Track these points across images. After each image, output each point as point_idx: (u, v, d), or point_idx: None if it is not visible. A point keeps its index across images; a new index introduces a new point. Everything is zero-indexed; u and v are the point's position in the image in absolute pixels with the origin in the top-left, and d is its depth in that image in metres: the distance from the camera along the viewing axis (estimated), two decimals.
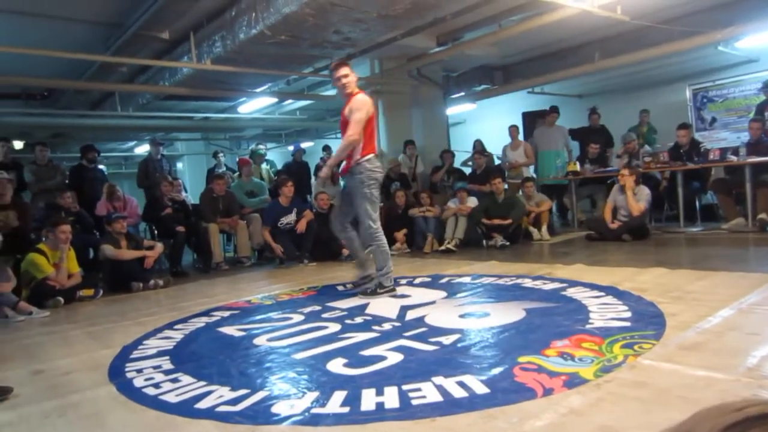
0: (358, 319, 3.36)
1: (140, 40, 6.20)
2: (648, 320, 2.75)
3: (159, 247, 5.83)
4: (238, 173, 8.04)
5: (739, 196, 6.22)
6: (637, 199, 6.09)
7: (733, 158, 6.24)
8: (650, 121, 8.61)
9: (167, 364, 2.74)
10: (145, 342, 3.25)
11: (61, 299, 4.74)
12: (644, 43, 7.08)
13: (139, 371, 2.65)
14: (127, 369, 2.70)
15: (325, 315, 3.56)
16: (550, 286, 3.87)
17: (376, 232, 4.04)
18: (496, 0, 5.60)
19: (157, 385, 2.42)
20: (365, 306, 3.72)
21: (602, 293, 3.46)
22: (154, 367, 2.70)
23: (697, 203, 6.96)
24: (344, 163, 4.12)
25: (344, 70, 4.02)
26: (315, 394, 2.13)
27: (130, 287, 5.27)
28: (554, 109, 8.31)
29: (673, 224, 6.79)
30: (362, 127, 3.93)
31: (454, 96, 9.63)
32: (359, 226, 4.14)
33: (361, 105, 3.95)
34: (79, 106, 9.36)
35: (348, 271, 5.44)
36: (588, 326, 2.76)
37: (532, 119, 9.51)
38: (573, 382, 2.02)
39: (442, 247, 6.45)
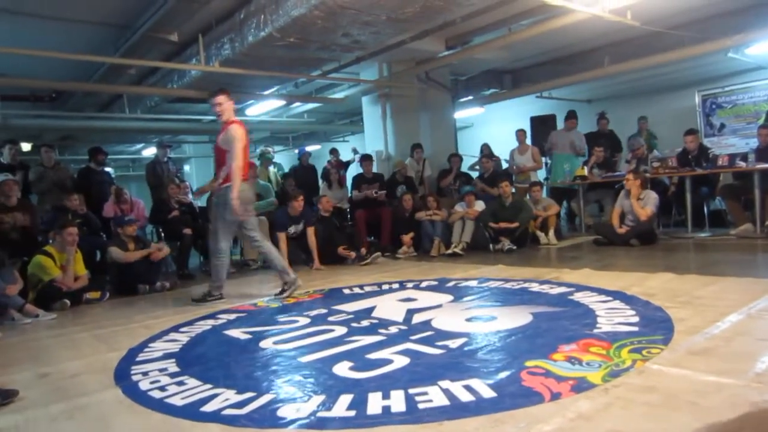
0: (365, 323, 3.35)
1: (149, 42, 6.23)
2: (656, 325, 2.73)
3: (165, 249, 5.84)
4: None
5: (747, 202, 6.17)
6: (644, 204, 6.06)
7: (742, 164, 6.20)
8: (651, 127, 8.59)
9: (173, 367, 2.74)
10: (151, 345, 3.25)
11: (68, 302, 4.75)
12: (654, 49, 7.06)
13: (145, 374, 2.65)
14: (133, 372, 2.71)
15: (331, 318, 3.55)
16: (557, 290, 3.85)
17: (220, 252, 4.46)
18: (507, 4, 5.59)
19: (162, 388, 2.41)
20: (371, 309, 3.71)
21: (610, 298, 3.44)
22: (160, 370, 2.70)
23: (706, 209, 6.91)
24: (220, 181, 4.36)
25: (219, 99, 4.31)
26: (321, 398, 2.12)
27: (136, 290, 5.28)
28: (572, 115, 8.24)
29: (681, 229, 6.74)
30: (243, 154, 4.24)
31: (462, 100, 9.62)
32: (210, 239, 4.58)
33: (239, 135, 4.24)
34: (88, 108, 9.41)
35: (355, 275, 5.44)
36: (596, 331, 2.74)
37: (540, 124, 9.48)
38: (581, 386, 2.01)
39: (449, 251, 6.44)
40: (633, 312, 3.04)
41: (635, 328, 2.71)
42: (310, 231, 6.16)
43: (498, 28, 6.53)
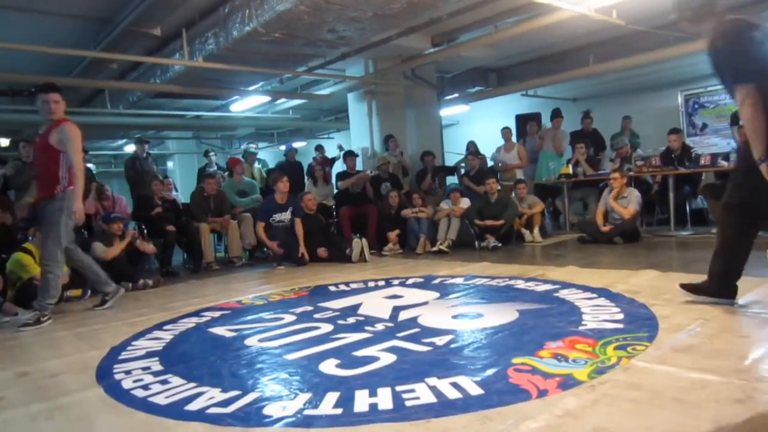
0: (351, 320, 3.33)
1: (131, 36, 6.13)
2: (641, 322, 2.75)
3: (151, 247, 5.78)
4: (228, 173, 7.98)
5: None
6: (627, 202, 6.13)
7: (724, 164, 6.28)
8: (634, 126, 8.67)
9: (156, 366, 2.70)
10: (134, 343, 3.20)
11: None
12: (638, 48, 7.13)
13: (128, 373, 2.60)
14: (115, 370, 2.66)
15: (317, 315, 3.53)
16: (542, 287, 3.87)
17: (56, 261, 4.00)
18: (493, 1, 5.60)
19: (146, 387, 2.38)
20: (358, 306, 3.70)
21: (595, 295, 3.46)
22: (143, 369, 2.65)
23: (688, 207, 6.99)
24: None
25: (56, 96, 4.16)
26: (307, 396, 2.10)
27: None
28: (558, 113, 8.30)
29: (664, 228, 6.82)
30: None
31: (448, 97, 9.62)
32: (44, 249, 4.07)
33: (75, 135, 4.09)
34: (68, 103, 9.16)
35: (340, 272, 5.42)
36: (581, 328, 2.75)
37: (525, 122, 9.53)
38: (567, 383, 2.01)
39: (435, 248, 6.45)
40: (618, 309, 3.06)
41: (620, 325, 2.73)
42: (298, 222, 6.15)
43: (484, 25, 6.54)
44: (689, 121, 9.50)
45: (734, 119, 7.15)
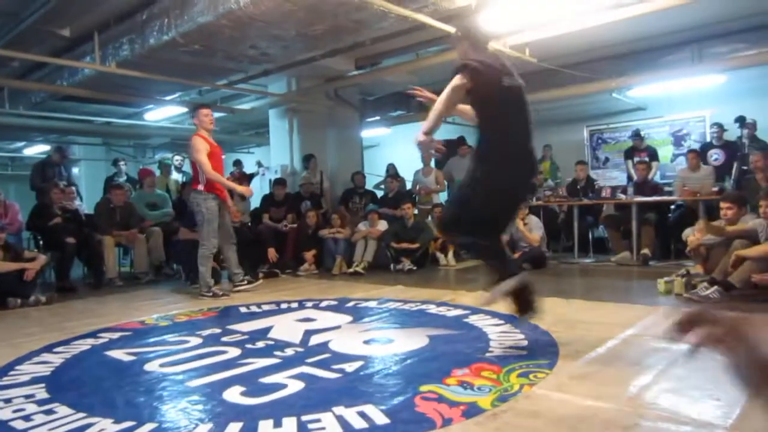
0: (260, 344, 3.24)
1: (37, 34, 5.73)
2: (543, 349, 2.87)
3: (41, 258, 5.34)
4: (139, 184, 7.60)
5: (626, 231, 6.73)
6: (530, 229, 6.44)
7: (622, 196, 6.78)
8: (552, 156, 9.15)
9: (42, 393, 2.48)
10: (17, 367, 2.93)
11: None
12: (548, 85, 7.55)
13: (8, 401, 2.38)
14: None
15: (224, 338, 3.41)
16: (453, 312, 3.95)
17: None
18: (414, 31, 5.75)
19: (27, 418, 2.18)
20: (268, 329, 3.61)
21: (502, 321, 3.57)
22: (26, 397, 2.43)
23: (591, 236, 7.45)
24: None
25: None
26: (208, 426, 2.01)
27: (6, 303, 4.77)
28: (462, 141, 8.58)
29: (569, 255, 7.22)
30: None
31: (369, 119, 9.72)
32: None
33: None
34: None
35: (253, 292, 5.27)
36: (488, 354, 2.83)
37: (445, 147, 9.77)
38: (471, 411, 2.06)
39: (351, 270, 6.44)
40: (522, 336, 3.18)
41: (524, 352, 2.84)
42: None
43: (407, 52, 6.70)
44: (593, 155, 10.15)
45: (627, 154, 7.76)
